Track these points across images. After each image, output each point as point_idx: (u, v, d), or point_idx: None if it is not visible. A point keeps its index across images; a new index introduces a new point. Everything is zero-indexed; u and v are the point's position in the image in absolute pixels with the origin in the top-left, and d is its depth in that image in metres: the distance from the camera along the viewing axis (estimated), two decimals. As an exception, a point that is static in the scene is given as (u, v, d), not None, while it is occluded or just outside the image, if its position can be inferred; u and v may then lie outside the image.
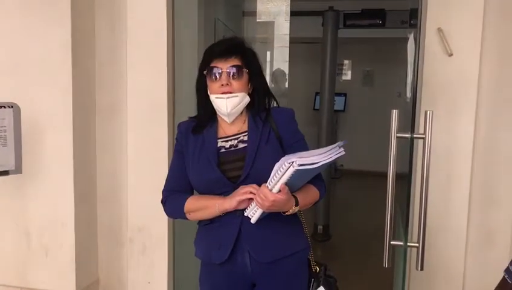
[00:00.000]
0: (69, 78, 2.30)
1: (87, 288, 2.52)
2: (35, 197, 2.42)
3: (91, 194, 2.53)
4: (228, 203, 1.52)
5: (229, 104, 1.56)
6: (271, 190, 1.42)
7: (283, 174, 1.39)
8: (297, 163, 1.36)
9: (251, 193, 1.47)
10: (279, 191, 1.41)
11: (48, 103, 2.34)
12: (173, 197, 1.67)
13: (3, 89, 2.34)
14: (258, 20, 4.41)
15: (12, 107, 2.08)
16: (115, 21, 2.46)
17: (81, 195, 2.42)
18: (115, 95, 2.48)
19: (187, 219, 1.65)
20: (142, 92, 2.44)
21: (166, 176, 1.71)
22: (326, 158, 1.42)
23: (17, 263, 2.48)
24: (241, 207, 1.52)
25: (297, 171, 1.38)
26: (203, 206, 1.59)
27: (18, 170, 2.13)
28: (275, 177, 1.42)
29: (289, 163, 1.37)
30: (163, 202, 1.70)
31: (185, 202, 1.62)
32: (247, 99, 1.61)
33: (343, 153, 1.48)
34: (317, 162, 1.39)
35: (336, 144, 1.50)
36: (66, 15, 2.27)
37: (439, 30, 2.08)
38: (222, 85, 1.56)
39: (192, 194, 1.67)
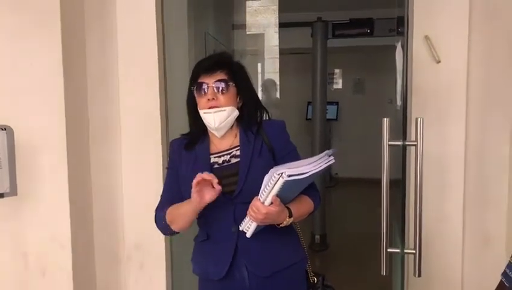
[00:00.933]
0: (61, 98, 2.30)
1: (86, 308, 2.50)
2: (31, 218, 2.41)
3: (87, 213, 2.52)
4: (192, 197, 1.49)
5: (217, 118, 1.57)
6: (263, 203, 1.42)
7: (273, 186, 1.39)
8: (287, 174, 1.36)
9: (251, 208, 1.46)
10: (271, 203, 1.41)
11: (40, 124, 2.34)
12: (158, 213, 1.67)
13: (-4, 112, 2.34)
14: (247, 33, 4.45)
15: (5, 129, 2.08)
16: (105, 39, 2.47)
17: (77, 215, 2.41)
18: (107, 113, 2.49)
19: (174, 231, 1.64)
20: (135, 109, 2.45)
21: (161, 193, 1.71)
22: (315, 168, 1.42)
23: (15, 285, 2.45)
24: (202, 197, 1.47)
25: (287, 182, 1.37)
26: (178, 213, 1.59)
27: (13, 192, 2.12)
28: (265, 189, 1.41)
29: (278, 174, 1.37)
30: (156, 212, 1.70)
31: (165, 214, 1.62)
32: (236, 113, 1.62)
33: (333, 161, 1.49)
34: (306, 172, 1.39)
35: (325, 152, 1.50)
36: (56, 36, 2.27)
37: (426, 38, 2.10)
38: (209, 100, 1.57)
39: None
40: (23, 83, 2.33)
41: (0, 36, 2.32)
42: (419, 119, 1.74)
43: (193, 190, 1.47)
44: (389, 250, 1.84)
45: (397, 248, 2.05)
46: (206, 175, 1.45)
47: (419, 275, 1.81)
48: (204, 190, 1.48)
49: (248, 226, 1.48)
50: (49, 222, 2.38)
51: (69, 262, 2.38)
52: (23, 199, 2.28)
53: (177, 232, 1.67)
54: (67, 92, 2.31)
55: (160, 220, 1.64)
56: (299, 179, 1.39)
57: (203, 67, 1.61)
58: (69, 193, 2.34)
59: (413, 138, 1.83)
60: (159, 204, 1.70)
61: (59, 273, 2.40)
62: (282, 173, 1.37)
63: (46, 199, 2.37)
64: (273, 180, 1.38)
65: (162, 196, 1.72)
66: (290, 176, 1.36)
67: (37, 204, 2.38)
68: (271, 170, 1.41)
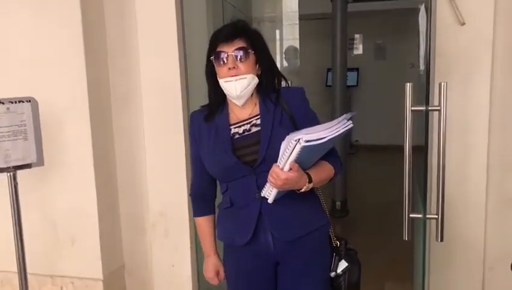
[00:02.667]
0: (83, 69, 2.32)
1: (113, 273, 2.59)
2: (58, 188, 2.48)
3: (112, 182, 2.58)
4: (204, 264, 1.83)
5: (238, 86, 1.57)
6: (282, 169, 1.42)
7: (291, 152, 1.38)
8: (304, 139, 1.35)
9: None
10: (290, 169, 1.42)
11: (64, 95, 2.38)
12: (196, 204, 1.82)
13: (20, 85, 2.38)
14: (266, -1, 4.38)
15: (30, 101, 2.12)
16: (123, 9, 2.47)
17: (102, 183, 2.47)
18: (128, 83, 2.51)
19: None
20: (155, 78, 2.46)
21: (183, 160, 1.74)
22: (333, 132, 1.40)
23: (45, 253, 2.55)
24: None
25: (305, 148, 1.36)
26: (201, 238, 1.83)
27: (40, 162, 2.18)
28: (284, 155, 1.41)
29: (295, 140, 1.36)
30: (191, 197, 1.81)
31: (197, 217, 1.81)
32: (256, 80, 1.61)
33: (351, 125, 1.46)
34: (324, 137, 1.37)
35: (344, 116, 1.47)
36: (75, 8, 2.29)
37: (451, -1, 2.04)
38: (229, 68, 1.56)
39: (216, 183, 1.77)
40: (46, 57, 2.36)
41: (22, 10, 2.34)
42: (442, 83, 1.71)
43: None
44: (411, 215, 1.83)
45: (419, 213, 2.05)
46: None
47: (442, 240, 1.81)
48: None
49: (269, 192, 1.49)
50: (75, 191, 2.45)
51: (96, 230, 2.46)
52: (49, 169, 2.34)
53: None
54: (88, 63, 2.34)
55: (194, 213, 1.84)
56: (317, 145, 1.37)
57: (221, 37, 1.60)
58: (93, 162, 2.40)
59: (436, 103, 1.80)
60: (192, 180, 1.81)
61: (87, 241, 2.49)
62: (299, 139, 1.35)
63: (71, 169, 2.44)
64: (291, 147, 1.38)
65: (192, 173, 1.81)
66: (307, 141, 1.35)
67: (63, 174, 2.44)
68: (287, 136, 1.41)
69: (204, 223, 1.79)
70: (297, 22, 4.56)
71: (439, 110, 1.74)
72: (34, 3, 2.33)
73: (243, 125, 1.64)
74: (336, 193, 5.00)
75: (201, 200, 1.79)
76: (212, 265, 1.80)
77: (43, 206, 2.51)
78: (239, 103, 1.62)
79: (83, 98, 2.35)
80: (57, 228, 2.52)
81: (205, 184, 1.75)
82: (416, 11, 2.58)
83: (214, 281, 1.81)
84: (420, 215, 1.99)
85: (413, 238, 2.35)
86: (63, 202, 2.49)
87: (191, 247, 2.55)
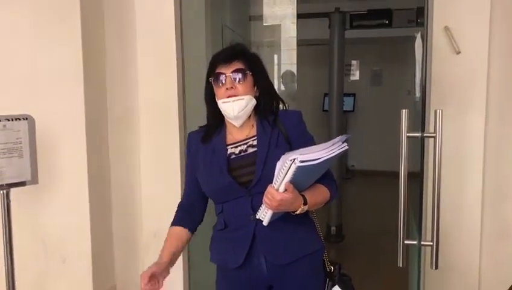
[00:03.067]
0: (80, 88, 2.33)
1: (105, 295, 2.55)
2: (52, 206, 2.46)
3: (106, 202, 2.56)
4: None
5: (236, 106, 1.58)
6: (277, 190, 1.42)
7: (286, 173, 1.38)
8: (299, 159, 1.35)
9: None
10: (285, 190, 1.42)
11: (61, 114, 2.38)
12: (179, 214, 1.77)
13: (18, 102, 2.38)
14: (264, 24, 4.43)
15: (26, 119, 2.12)
16: (124, 30, 2.50)
17: (96, 203, 2.45)
18: (126, 103, 2.52)
19: None
20: (153, 100, 2.47)
21: (178, 181, 1.74)
22: (329, 153, 1.40)
23: (36, 272, 2.51)
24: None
25: (300, 168, 1.36)
26: (164, 246, 1.75)
27: (34, 180, 2.16)
28: (279, 176, 1.41)
29: (291, 160, 1.36)
30: (177, 207, 1.79)
31: (174, 226, 1.75)
32: (254, 102, 1.63)
33: (347, 147, 1.47)
34: (319, 158, 1.38)
35: (338, 138, 1.48)
36: (76, 28, 2.30)
37: (446, 28, 2.08)
38: (227, 89, 1.59)
39: (207, 202, 1.75)
40: (45, 75, 2.37)
41: (23, 28, 2.36)
42: (438, 110, 1.73)
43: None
44: (406, 242, 1.83)
45: (414, 240, 2.04)
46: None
47: (436, 267, 1.81)
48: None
49: (264, 214, 1.49)
50: (69, 210, 2.43)
51: (89, 250, 2.43)
52: (44, 187, 2.33)
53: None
54: (86, 83, 2.35)
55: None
56: (312, 165, 1.37)
57: (220, 58, 1.63)
58: (88, 181, 2.38)
59: (432, 130, 1.81)
60: (182, 198, 1.79)
61: (79, 261, 2.45)
62: (294, 159, 1.36)
63: (66, 188, 2.42)
64: (286, 167, 1.38)
65: (184, 191, 1.79)
66: (302, 161, 1.35)
67: (57, 192, 2.43)
68: (283, 156, 1.41)
69: (177, 233, 1.72)
70: (295, 47, 4.61)
71: (434, 137, 1.75)
72: (34, 22, 2.35)
73: (240, 145, 1.65)
74: (332, 217, 4.98)
75: (185, 212, 1.75)
76: (156, 266, 1.63)
77: (35, 224, 2.49)
78: (237, 123, 1.63)
79: (80, 117, 2.35)
80: (48, 247, 2.49)
81: (195, 198, 1.74)
82: (413, 39, 2.62)
83: (143, 281, 1.57)
84: (415, 242, 1.99)
85: (408, 265, 2.34)
86: (56, 220, 2.46)
87: (184, 269, 2.53)
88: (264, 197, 1.45)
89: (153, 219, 2.52)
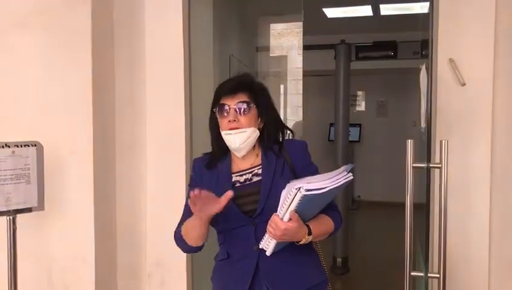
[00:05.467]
0: (89, 116, 2.36)
1: (107, 324, 2.51)
2: (57, 233, 2.45)
3: (111, 230, 2.55)
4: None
5: (237, 139, 1.59)
6: (282, 219, 1.42)
7: (291, 201, 1.38)
8: (304, 188, 1.35)
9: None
10: (290, 219, 1.41)
11: (69, 141, 2.40)
12: (176, 229, 1.68)
13: (27, 129, 2.41)
14: (271, 55, 4.49)
15: (35, 145, 2.14)
16: (133, 59, 2.54)
17: (101, 231, 2.45)
18: (134, 131, 2.54)
19: (190, 246, 1.62)
20: (161, 127, 2.50)
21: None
22: (334, 183, 1.40)
23: (38, 300, 2.49)
24: (204, 212, 1.46)
25: (305, 197, 1.36)
26: (188, 225, 1.58)
27: (40, 207, 2.17)
28: (284, 205, 1.41)
29: (296, 189, 1.36)
30: (175, 237, 1.69)
31: (181, 228, 1.63)
32: (257, 133, 1.63)
33: (352, 177, 1.47)
34: (324, 187, 1.38)
35: (343, 167, 1.48)
36: (86, 55, 2.35)
37: (451, 60, 2.10)
38: (230, 121, 1.59)
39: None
40: (53, 100, 2.40)
41: (32, 54, 2.41)
42: (443, 141, 1.74)
43: (192, 208, 1.46)
44: (412, 274, 1.81)
45: (421, 271, 2.01)
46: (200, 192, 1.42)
47: (444, 300, 1.77)
48: (208, 205, 1.46)
49: (267, 244, 1.48)
50: (74, 237, 2.42)
51: (92, 278, 2.41)
52: (49, 214, 2.33)
53: (196, 249, 1.65)
54: (95, 110, 2.38)
55: (179, 233, 1.65)
56: (317, 195, 1.38)
57: (225, 89, 1.64)
58: (94, 209, 2.38)
59: (437, 160, 1.81)
60: (179, 222, 1.70)
61: (81, 289, 2.43)
62: (300, 188, 1.36)
63: (71, 215, 2.42)
64: (291, 195, 1.38)
65: (182, 214, 1.72)
66: (307, 190, 1.35)
67: (62, 219, 2.43)
68: (288, 184, 1.41)
69: (185, 223, 1.62)
70: (301, 77, 4.66)
71: (440, 168, 1.75)
72: (45, 50, 2.39)
73: (245, 174, 1.65)
74: (337, 249, 4.93)
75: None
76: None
77: (39, 251, 2.48)
78: (239, 155, 1.64)
79: (88, 145, 2.37)
80: (51, 274, 2.47)
81: None
82: (417, 70, 2.65)
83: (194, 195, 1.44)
84: (422, 274, 1.96)
85: (415, 298, 2.30)
86: (60, 247, 2.45)
87: (187, 300, 2.50)
88: (268, 226, 1.44)
89: (157, 247, 2.51)
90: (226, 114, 1.61)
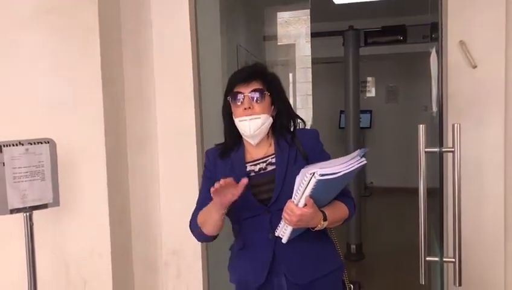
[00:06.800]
0: (100, 110, 2.37)
1: (125, 316, 2.55)
2: (72, 228, 2.48)
3: (126, 223, 2.58)
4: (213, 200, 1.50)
5: (252, 125, 1.60)
6: (297, 205, 1.42)
7: (306, 187, 1.39)
8: (319, 173, 1.36)
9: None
10: (305, 205, 1.42)
11: (81, 137, 2.42)
12: (192, 218, 1.69)
13: (39, 126, 2.43)
14: (279, 44, 4.47)
15: (48, 142, 2.16)
16: (141, 53, 2.55)
17: (116, 224, 2.47)
18: (145, 125, 2.56)
19: (206, 235, 1.62)
20: (171, 119, 2.51)
21: (196, 198, 1.73)
22: (348, 167, 1.41)
23: (57, 294, 2.53)
24: (223, 198, 1.47)
25: (319, 182, 1.37)
26: (205, 213, 1.59)
27: (56, 203, 2.19)
28: (298, 190, 1.41)
29: (310, 174, 1.37)
30: (191, 226, 1.70)
31: (196, 218, 1.64)
32: (270, 120, 1.65)
33: (365, 162, 1.47)
34: (339, 172, 1.38)
35: (356, 152, 1.48)
36: (95, 51, 2.35)
37: (461, 43, 2.08)
38: (245, 109, 1.61)
39: None
40: (64, 97, 2.42)
41: (41, 53, 2.42)
42: (456, 125, 1.72)
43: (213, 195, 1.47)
44: (427, 259, 1.80)
45: (436, 256, 2.01)
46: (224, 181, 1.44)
47: (460, 284, 1.77)
48: (226, 191, 1.47)
49: (284, 231, 1.49)
50: (89, 232, 2.45)
51: (109, 271, 2.44)
52: (65, 209, 2.36)
53: (211, 238, 1.65)
54: (106, 105, 2.39)
55: (194, 222, 1.66)
56: (331, 180, 1.38)
57: (238, 78, 1.65)
58: (108, 203, 2.40)
59: (450, 145, 1.80)
60: (194, 211, 1.72)
61: (99, 283, 2.46)
62: (314, 173, 1.36)
63: (86, 210, 2.44)
64: (306, 180, 1.38)
65: (197, 203, 1.73)
66: (322, 175, 1.36)
67: (78, 214, 2.45)
68: (302, 169, 1.42)
69: (201, 212, 1.64)
70: (310, 65, 4.63)
71: (453, 152, 1.74)
72: (54, 49, 2.41)
73: (259, 163, 1.66)
74: (351, 236, 4.94)
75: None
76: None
77: (56, 246, 2.51)
78: (253, 142, 1.64)
79: (100, 140, 2.39)
80: (69, 269, 2.51)
81: None
82: (428, 54, 2.62)
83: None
84: (437, 259, 1.95)
85: (431, 283, 2.30)
86: (76, 242, 2.49)
87: (203, 287, 2.52)
88: (284, 212, 1.45)
89: (172, 237, 2.53)
90: (240, 102, 1.62)
